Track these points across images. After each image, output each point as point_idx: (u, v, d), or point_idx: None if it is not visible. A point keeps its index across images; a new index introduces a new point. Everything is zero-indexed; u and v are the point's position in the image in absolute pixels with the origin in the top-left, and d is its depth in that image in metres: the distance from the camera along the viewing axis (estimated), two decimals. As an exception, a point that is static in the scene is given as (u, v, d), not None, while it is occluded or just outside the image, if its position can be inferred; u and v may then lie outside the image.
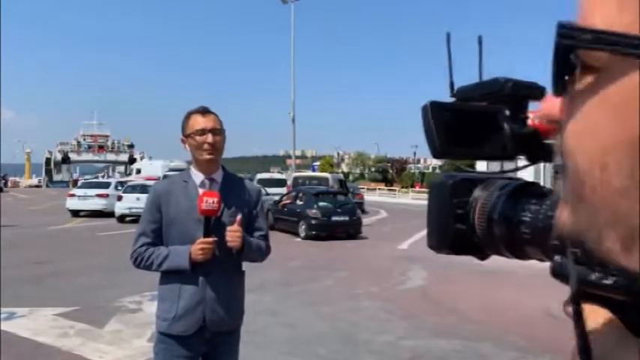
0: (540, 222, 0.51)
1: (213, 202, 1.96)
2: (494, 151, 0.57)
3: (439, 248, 0.61)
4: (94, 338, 5.05)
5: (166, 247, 2.07)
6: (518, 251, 0.55)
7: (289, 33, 34.39)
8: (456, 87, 0.67)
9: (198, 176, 2.13)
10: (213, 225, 2.01)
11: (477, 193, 0.59)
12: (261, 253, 2.18)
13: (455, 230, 0.59)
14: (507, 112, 0.58)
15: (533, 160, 0.57)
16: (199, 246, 1.98)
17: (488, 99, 0.61)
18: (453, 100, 0.67)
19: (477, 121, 0.58)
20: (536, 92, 0.60)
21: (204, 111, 2.12)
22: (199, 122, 2.08)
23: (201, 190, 2.08)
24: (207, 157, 2.08)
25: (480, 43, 0.67)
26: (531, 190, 0.56)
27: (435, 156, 0.56)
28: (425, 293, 7.49)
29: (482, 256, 0.62)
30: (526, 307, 6.59)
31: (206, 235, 1.99)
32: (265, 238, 2.23)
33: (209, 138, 2.06)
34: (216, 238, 2.00)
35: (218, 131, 2.10)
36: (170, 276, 2.06)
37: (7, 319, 5.64)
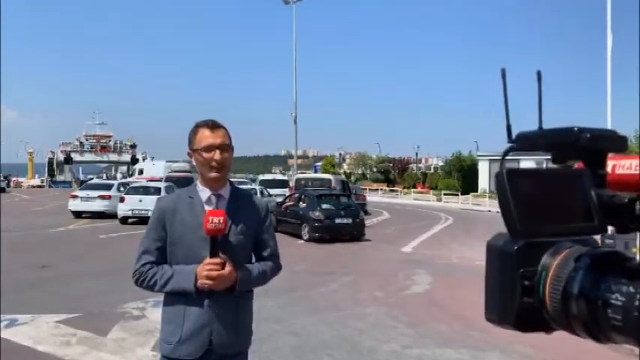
0: (637, 310, 0.43)
1: (219, 222, 1.87)
2: (580, 223, 0.49)
3: (501, 323, 0.53)
4: (96, 347, 4.98)
5: (170, 266, 1.99)
6: (600, 336, 0.47)
7: (291, 33, 34.34)
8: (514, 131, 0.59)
9: (204, 192, 2.04)
10: (219, 244, 1.93)
11: (546, 260, 0.51)
12: (264, 279, 2.10)
13: (521, 304, 0.51)
14: (590, 175, 0.50)
15: (624, 232, 0.49)
16: (206, 267, 1.89)
17: (558, 149, 0.53)
18: (510, 146, 0.59)
19: (558, 188, 0.50)
20: (616, 144, 0.52)
21: (213, 125, 2.01)
22: (207, 138, 1.98)
23: (207, 207, 1.99)
24: (214, 174, 2.00)
25: (539, 79, 0.59)
26: (617, 263, 0.48)
27: (515, 237, 0.48)
28: (431, 299, 7.41)
29: (549, 332, 0.54)
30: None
31: (212, 256, 1.91)
32: (274, 257, 2.15)
33: (217, 155, 1.97)
34: (222, 260, 1.91)
35: (226, 147, 2.01)
36: (174, 297, 1.98)
37: (8, 326, 5.58)
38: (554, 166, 0.54)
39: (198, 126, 2.04)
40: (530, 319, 0.51)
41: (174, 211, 2.01)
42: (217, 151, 1.97)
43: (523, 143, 0.56)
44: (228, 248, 1.95)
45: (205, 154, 1.97)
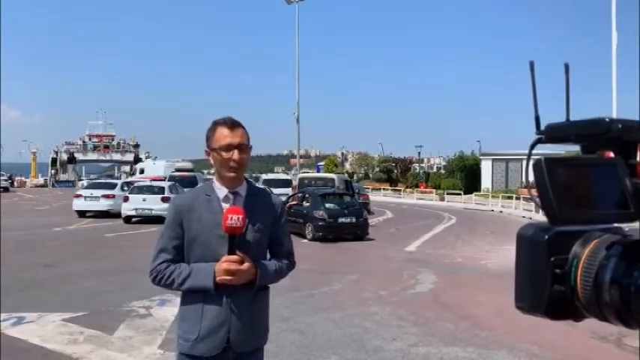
0: None
1: (238, 220, 1.88)
2: (615, 210, 0.51)
3: (532, 310, 0.54)
4: (103, 345, 5.01)
5: (188, 264, 2.00)
6: (633, 322, 0.48)
7: (294, 32, 34.36)
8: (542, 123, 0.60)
9: (221, 190, 2.04)
10: (237, 241, 1.94)
11: (577, 249, 0.52)
12: (280, 275, 2.11)
13: (552, 292, 0.52)
14: (623, 164, 0.51)
15: None
16: (224, 265, 1.90)
17: (588, 141, 0.54)
18: (539, 137, 0.60)
19: (594, 176, 0.51)
20: None
21: (232, 124, 2.00)
22: (226, 137, 1.97)
23: (224, 205, 1.99)
24: (231, 174, 2.00)
25: (567, 71, 0.60)
26: None
27: (554, 223, 0.49)
28: (436, 298, 7.41)
29: (579, 319, 0.55)
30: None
31: (230, 253, 1.92)
32: (289, 254, 2.16)
33: (235, 155, 1.97)
34: (240, 257, 1.92)
35: (245, 147, 2.00)
36: (192, 295, 1.98)
37: (15, 324, 5.61)
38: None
39: (216, 124, 2.02)
40: (560, 307, 0.53)
41: (191, 209, 2.01)
42: (236, 151, 1.96)
43: (552, 135, 0.57)
44: (245, 245, 1.96)
45: (224, 154, 1.96)
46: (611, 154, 0.55)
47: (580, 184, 0.50)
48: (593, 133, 0.54)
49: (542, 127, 0.59)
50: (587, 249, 0.52)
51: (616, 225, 0.56)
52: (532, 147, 0.60)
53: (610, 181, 0.51)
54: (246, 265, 1.93)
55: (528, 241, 0.54)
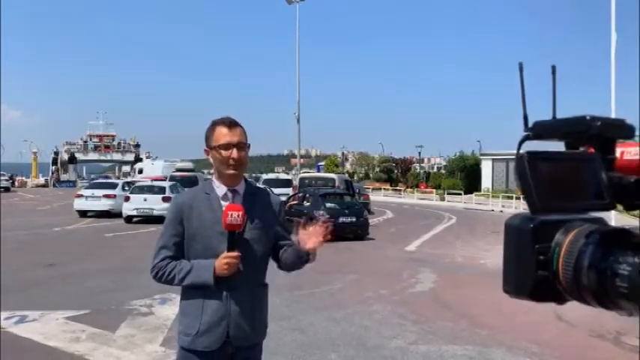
0: None
1: (237, 217, 1.93)
2: (592, 201, 0.55)
3: (518, 294, 0.58)
4: (106, 343, 5.05)
5: (189, 260, 2.04)
6: (609, 303, 0.52)
7: (294, 33, 34.39)
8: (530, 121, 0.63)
9: (220, 188, 2.10)
10: (236, 239, 1.99)
11: (559, 237, 0.56)
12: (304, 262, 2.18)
13: (536, 277, 0.56)
14: (600, 159, 0.55)
15: (630, 210, 0.54)
16: (224, 260, 1.95)
17: (571, 138, 0.58)
18: (527, 134, 0.64)
19: (573, 169, 0.55)
20: (624, 132, 0.57)
21: (230, 123, 2.06)
22: (225, 135, 2.03)
23: (224, 203, 2.05)
24: (231, 172, 2.05)
25: (554, 73, 0.64)
26: (624, 238, 0.53)
27: (534, 212, 0.53)
28: (435, 297, 7.45)
29: (562, 302, 0.59)
30: (537, 311, 6.53)
31: (230, 250, 1.97)
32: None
33: (234, 153, 2.02)
34: (239, 253, 1.97)
35: (243, 145, 2.06)
36: (193, 290, 2.03)
37: (18, 322, 5.66)
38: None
39: (215, 124, 2.07)
40: (544, 290, 0.57)
41: (192, 207, 2.06)
42: (235, 150, 2.02)
43: (539, 131, 0.61)
44: (244, 243, 2.01)
45: (223, 152, 2.02)
46: (593, 150, 0.59)
47: (560, 177, 0.54)
48: (575, 131, 0.58)
49: (530, 125, 0.63)
50: (568, 237, 0.55)
51: (596, 215, 0.60)
52: (520, 143, 0.64)
53: (588, 174, 0.55)
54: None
55: (515, 230, 0.58)
